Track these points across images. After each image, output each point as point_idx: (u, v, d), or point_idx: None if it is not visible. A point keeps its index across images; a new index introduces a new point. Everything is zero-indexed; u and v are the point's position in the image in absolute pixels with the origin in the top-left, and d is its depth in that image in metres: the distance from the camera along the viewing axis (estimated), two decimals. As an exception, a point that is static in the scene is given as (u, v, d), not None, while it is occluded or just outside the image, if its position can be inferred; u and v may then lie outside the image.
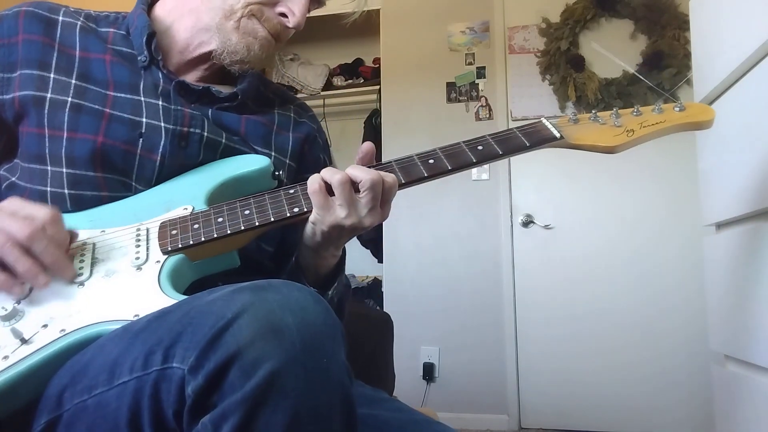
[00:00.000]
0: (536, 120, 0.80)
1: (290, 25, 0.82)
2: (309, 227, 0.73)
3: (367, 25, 3.27)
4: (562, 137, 0.78)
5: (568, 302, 2.80)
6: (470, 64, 3.08)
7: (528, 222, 2.91)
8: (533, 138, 0.78)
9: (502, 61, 3.04)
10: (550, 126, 0.79)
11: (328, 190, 0.69)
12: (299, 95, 3.30)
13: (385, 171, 0.73)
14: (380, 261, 3.12)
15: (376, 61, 3.44)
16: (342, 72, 3.65)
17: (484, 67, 3.06)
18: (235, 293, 0.50)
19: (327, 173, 0.69)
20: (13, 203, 0.65)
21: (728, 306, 1.10)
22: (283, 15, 0.82)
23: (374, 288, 3.27)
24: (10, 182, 0.77)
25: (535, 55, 2.99)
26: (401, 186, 0.73)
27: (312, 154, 0.93)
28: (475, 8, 3.09)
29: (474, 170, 3.00)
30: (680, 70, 2.74)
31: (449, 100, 3.09)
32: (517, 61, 3.02)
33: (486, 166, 2.99)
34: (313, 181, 0.69)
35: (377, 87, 3.31)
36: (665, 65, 2.76)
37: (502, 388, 2.85)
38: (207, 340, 0.47)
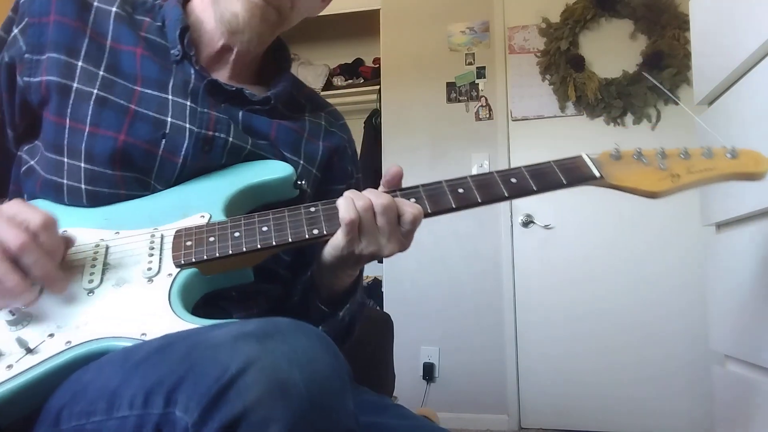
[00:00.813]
0: (576, 155, 0.75)
1: None
2: (327, 250, 0.70)
3: (367, 25, 3.29)
4: (601, 176, 0.73)
5: (568, 302, 2.81)
6: (470, 64, 3.08)
7: (528, 222, 2.91)
8: (571, 175, 0.73)
9: (502, 61, 3.04)
10: (589, 163, 0.74)
11: None
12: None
13: (412, 197, 0.70)
14: (380, 261, 3.11)
15: (376, 61, 3.44)
16: (342, 72, 3.65)
17: (484, 67, 3.06)
18: (240, 341, 0.48)
19: (353, 197, 0.67)
20: (12, 206, 0.62)
21: (728, 306, 1.10)
22: None
23: (374, 288, 3.27)
24: (29, 166, 0.76)
25: (535, 55, 2.99)
26: (426, 215, 0.70)
27: (340, 165, 0.90)
28: (475, 8, 3.09)
29: (474, 170, 3.01)
30: (680, 70, 2.74)
31: (449, 100, 3.09)
32: (517, 61, 3.02)
33: (486, 164, 2.99)
34: (350, 210, 0.66)
35: (377, 87, 3.32)
36: (665, 65, 2.76)
37: (502, 388, 2.86)
38: (211, 394, 0.45)
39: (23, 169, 0.77)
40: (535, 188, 0.72)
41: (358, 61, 3.68)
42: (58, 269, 0.62)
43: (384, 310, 2.92)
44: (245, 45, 0.79)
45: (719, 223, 1.18)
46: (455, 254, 2.99)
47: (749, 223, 1.02)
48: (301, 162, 0.83)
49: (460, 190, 0.71)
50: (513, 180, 0.72)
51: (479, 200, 0.71)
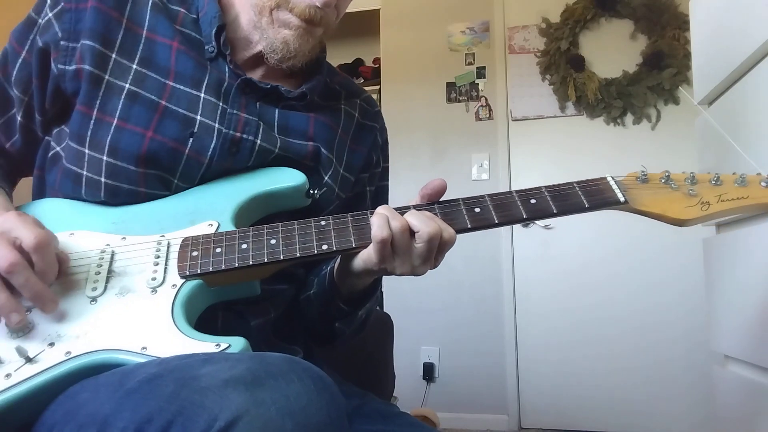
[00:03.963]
0: (600, 177, 0.74)
1: (318, 3, 0.75)
2: (357, 262, 0.69)
3: (367, 25, 3.28)
4: (626, 201, 0.71)
5: (568, 302, 2.81)
6: (470, 64, 3.08)
7: (528, 222, 2.91)
8: (594, 199, 0.72)
9: (502, 61, 3.04)
10: (614, 186, 0.72)
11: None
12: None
13: (452, 212, 0.69)
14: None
15: (376, 61, 3.45)
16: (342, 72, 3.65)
17: (484, 67, 3.06)
18: (229, 387, 0.46)
19: (388, 215, 0.66)
20: (7, 221, 0.61)
21: (728, 306, 1.10)
22: None
23: (374, 288, 3.27)
24: (55, 153, 0.75)
25: (535, 55, 2.99)
26: (463, 231, 0.69)
27: (367, 155, 0.90)
28: (475, 8, 3.10)
29: (474, 170, 3.01)
30: (680, 70, 2.74)
31: (449, 100, 3.09)
32: (517, 61, 3.02)
33: (486, 165, 2.99)
34: (383, 228, 0.65)
35: (377, 87, 3.32)
36: (665, 65, 2.76)
37: (502, 388, 2.86)
38: None
39: (50, 154, 0.76)
40: (555, 211, 0.70)
41: (358, 61, 3.68)
42: (48, 290, 0.61)
43: (384, 310, 2.92)
44: (291, 63, 0.78)
45: (719, 222, 1.18)
46: (455, 254, 2.97)
47: (749, 223, 1.02)
48: (334, 160, 0.83)
49: (477, 210, 0.70)
50: (533, 201, 0.70)
51: (496, 221, 0.69)
